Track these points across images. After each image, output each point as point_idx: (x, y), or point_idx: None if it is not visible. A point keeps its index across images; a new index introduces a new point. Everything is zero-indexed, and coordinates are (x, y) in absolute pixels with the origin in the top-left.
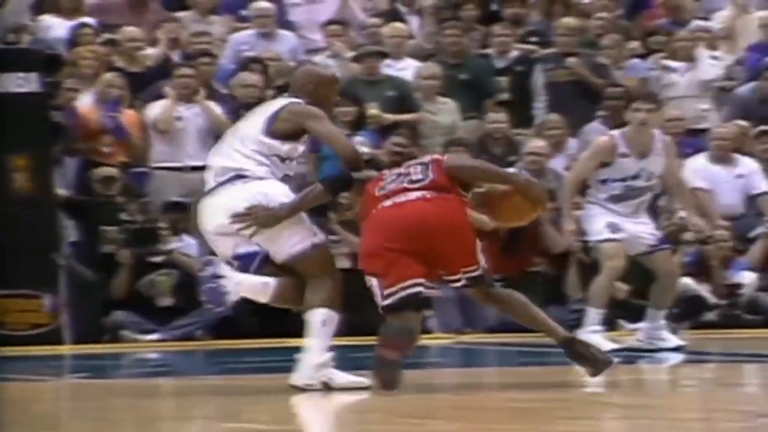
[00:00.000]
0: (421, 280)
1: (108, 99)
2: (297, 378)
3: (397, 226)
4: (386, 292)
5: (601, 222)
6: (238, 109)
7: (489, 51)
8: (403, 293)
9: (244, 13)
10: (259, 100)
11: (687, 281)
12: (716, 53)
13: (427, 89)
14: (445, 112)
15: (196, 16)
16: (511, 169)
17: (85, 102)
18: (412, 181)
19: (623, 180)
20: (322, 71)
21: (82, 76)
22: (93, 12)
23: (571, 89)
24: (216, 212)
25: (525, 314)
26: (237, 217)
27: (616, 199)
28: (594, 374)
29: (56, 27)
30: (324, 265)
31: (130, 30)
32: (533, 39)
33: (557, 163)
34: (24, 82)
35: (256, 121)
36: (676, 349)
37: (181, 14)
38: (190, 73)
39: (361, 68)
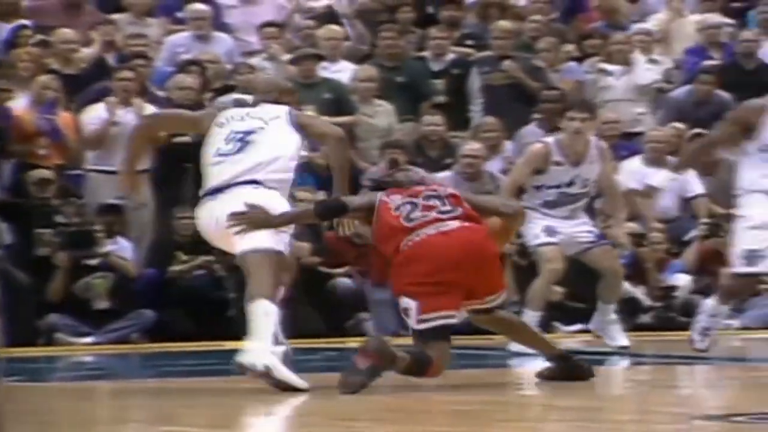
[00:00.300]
0: (456, 312)
1: (43, 101)
2: (242, 356)
3: (446, 254)
4: (422, 317)
5: (537, 226)
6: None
7: (425, 54)
8: (439, 322)
9: (179, 15)
10: (196, 103)
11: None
12: (652, 57)
13: (364, 92)
14: (381, 114)
15: (132, 18)
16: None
17: (20, 104)
18: (442, 212)
19: (557, 187)
20: (283, 82)
21: (17, 78)
22: (29, 14)
23: (507, 92)
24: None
25: (523, 334)
26: (234, 215)
27: (550, 204)
28: (587, 377)
29: None
30: (274, 266)
31: (65, 32)
32: (469, 42)
33: (493, 166)
34: None
35: (286, 138)
36: (622, 348)
37: (116, 16)
38: (130, 76)
39: (297, 71)
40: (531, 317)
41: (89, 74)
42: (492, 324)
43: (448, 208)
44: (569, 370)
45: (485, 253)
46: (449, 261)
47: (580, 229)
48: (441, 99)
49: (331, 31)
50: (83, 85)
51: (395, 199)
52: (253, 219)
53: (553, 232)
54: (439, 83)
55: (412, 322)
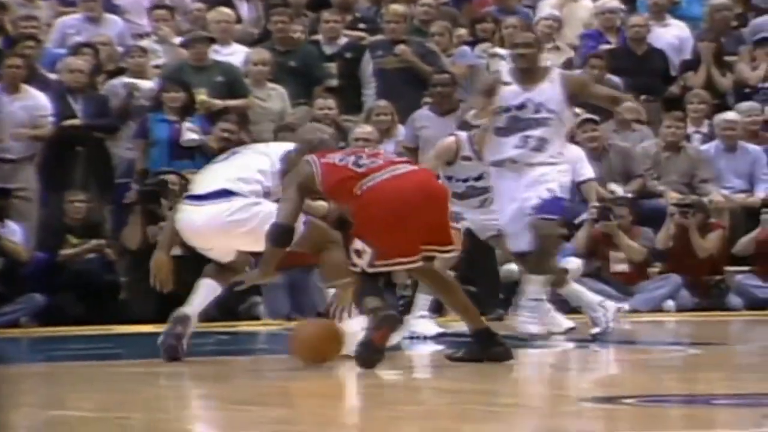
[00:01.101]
0: (413, 258)
1: None
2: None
3: (403, 196)
4: (376, 262)
5: None
6: (64, 94)
7: (318, 38)
8: (389, 268)
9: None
10: (87, 86)
11: (512, 267)
12: (556, 44)
13: (257, 75)
14: (274, 98)
15: (22, 0)
16: None
17: None
18: (390, 160)
19: (465, 180)
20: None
21: None
22: None
23: (400, 76)
24: None
25: (455, 297)
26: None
27: (459, 196)
28: (504, 360)
29: None
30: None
31: None
32: (362, 26)
33: (386, 149)
34: None
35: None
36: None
37: None
38: (18, 63)
39: (189, 54)
40: (423, 300)
41: None
42: (430, 278)
43: (394, 158)
44: (486, 348)
45: (441, 194)
46: (407, 203)
47: (489, 216)
48: (334, 83)
49: (222, 13)
50: None
51: (333, 156)
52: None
53: (457, 218)
54: (332, 67)
55: (363, 264)
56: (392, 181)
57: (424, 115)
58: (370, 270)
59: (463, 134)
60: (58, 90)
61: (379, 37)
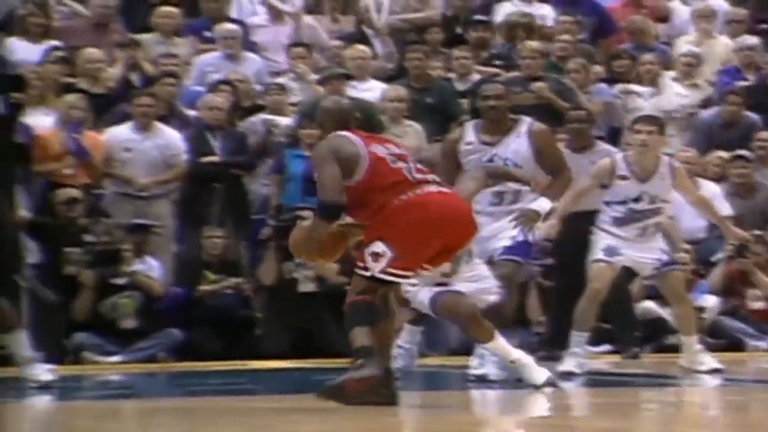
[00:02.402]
0: (412, 274)
1: (70, 120)
2: None
3: (442, 212)
4: (394, 269)
5: (600, 244)
6: (203, 131)
7: (452, 75)
8: (396, 279)
9: (208, 34)
10: (225, 123)
11: (649, 304)
12: (694, 81)
13: (394, 112)
14: (411, 135)
15: (160, 38)
16: None
17: (46, 123)
18: (436, 181)
19: (623, 203)
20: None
21: (45, 97)
22: (59, 34)
23: (535, 112)
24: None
25: (382, 327)
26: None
27: (619, 223)
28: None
29: (24, 49)
30: None
31: (92, 51)
32: (497, 63)
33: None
34: None
35: None
36: (714, 372)
37: (144, 36)
38: (150, 102)
39: (326, 90)
40: (576, 337)
41: (116, 94)
42: (384, 299)
43: (433, 177)
44: (378, 388)
45: (471, 224)
46: (442, 220)
47: (648, 254)
48: (468, 119)
49: (359, 50)
50: (109, 105)
51: (379, 149)
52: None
53: (613, 252)
54: (467, 103)
55: (376, 268)
56: (438, 196)
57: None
58: (380, 275)
59: (618, 154)
60: (197, 127)
61: (514, 73)
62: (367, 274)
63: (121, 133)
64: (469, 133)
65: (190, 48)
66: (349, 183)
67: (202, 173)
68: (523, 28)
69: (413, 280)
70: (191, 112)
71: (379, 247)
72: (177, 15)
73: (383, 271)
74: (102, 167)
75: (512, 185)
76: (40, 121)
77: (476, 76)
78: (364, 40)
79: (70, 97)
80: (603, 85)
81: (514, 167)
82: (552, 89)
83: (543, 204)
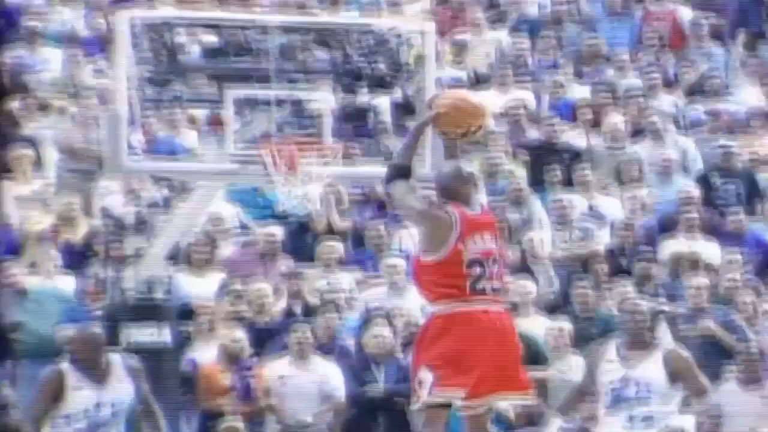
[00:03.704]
0: (464, 390)
1: (234, 354)
2: None
3: (481, 336)
4: (438, 389)
5: None
6: (367, 362)
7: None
8: (444, 397)
9: (371, 265)
10: (388, 354)
11: None
12: None
13: (557, 343)
14: (575, 369)
15: (323, 271)
16: None
17: (207, 356)
18: (494, 289)
19: None
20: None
21: (213, 330)
22: (225, 266)
23: (702, 346)
24: None
25: None
26: None
27: None
28: None
29: (190, 281)
30: None
31: (261, 285)
32: (661, 296)
33: None
34: (156, 335)
35: None
36: None
37: (308, 269)
38: (305, 334)
39: None
40: None
41: (278, 325)
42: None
43: (498, 286)
44: None
45: (514, 344)
46: (483, 339)
47: None
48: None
49: (521, 285)
50: (272, 336)
51: (468, 240)
52: None
53: None
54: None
55: (424, 394)
56: (479, 314)
57: (727, 388)
58: (429, 399)
59: None
60: (360, 358)
61: (679, 307)
62: (419, 407)
63: (279, 365)
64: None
65: (352, 280)
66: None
67: (366, 404)
68: (688, 262)
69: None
70: (351, 343)
71: (420, 375)
72: (340, 248)
73: (430, 393)
74: (261, 400)
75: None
76: (207, 353)
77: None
78: (526, 269)
79: (236, 332)
80: None
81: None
82: (719, 323)
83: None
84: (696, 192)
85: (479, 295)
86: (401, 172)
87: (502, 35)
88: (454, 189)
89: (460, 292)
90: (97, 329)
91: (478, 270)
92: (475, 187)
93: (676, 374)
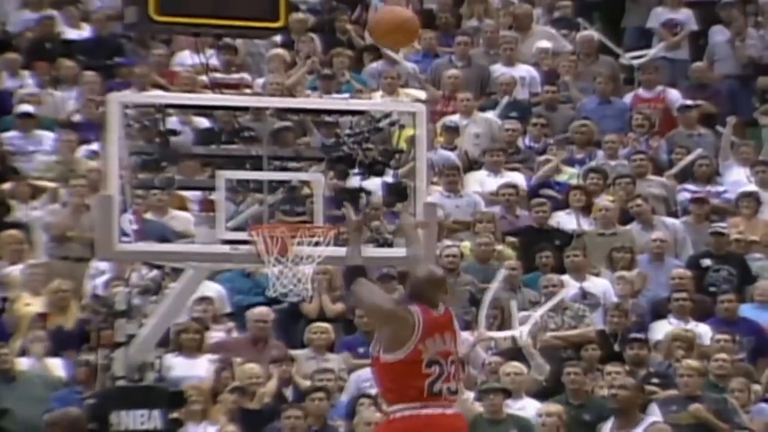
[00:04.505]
0: None
1: None
2: None
3: None
4: None
5: None
6: None
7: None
8: None
9: (361, 350)
10: None
11: None
12: None
13: (549, 428)
14: None
15: (314, 353)
16: None
17: None
18: (451, 392)
19: None
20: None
21: (206, 412)
22: (215, 348)
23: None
24: None
25: None
26: None
27: None
28: None
29: (181, 365)
30: None
31: (252, 367)
32: (654, 380)
33: None
34: (146, 420)
35: None
36: None
37: (299, 351)
38: (298, 416)
39: (483, 407)
40: None
41: (269, 410)
42: None
43: (454, 387)
44: None
45: None
46: None
47: None
48: None
49: (514, 366)
50: (264, 421)
51: (428, 341)
52: None
53: None
54: None
55: None
56: (437, 418)
57: None
58: None
59: None
60: None
61: (672, 391)
62: None
63: None
64: None
65: (343, 363)
66: (390, 357)
67: None
68: (683, 344)
69: None
70: (342, 426)
71: None
72: (331, 330)
73: None
74: None
75: None
76: None
77: None
78: (519, 356)
79: (229, 426)
80: (764, 405)
81: None
82: (710, 409)
83: None
84: (688, 275)
85: (435, 398)
86: (360, 272)
87: (492, 118)
88: (423, 292)
89: (418, 394)
90: (78, 411)
91: (437, 370)
92: (446, 292)
93: None
